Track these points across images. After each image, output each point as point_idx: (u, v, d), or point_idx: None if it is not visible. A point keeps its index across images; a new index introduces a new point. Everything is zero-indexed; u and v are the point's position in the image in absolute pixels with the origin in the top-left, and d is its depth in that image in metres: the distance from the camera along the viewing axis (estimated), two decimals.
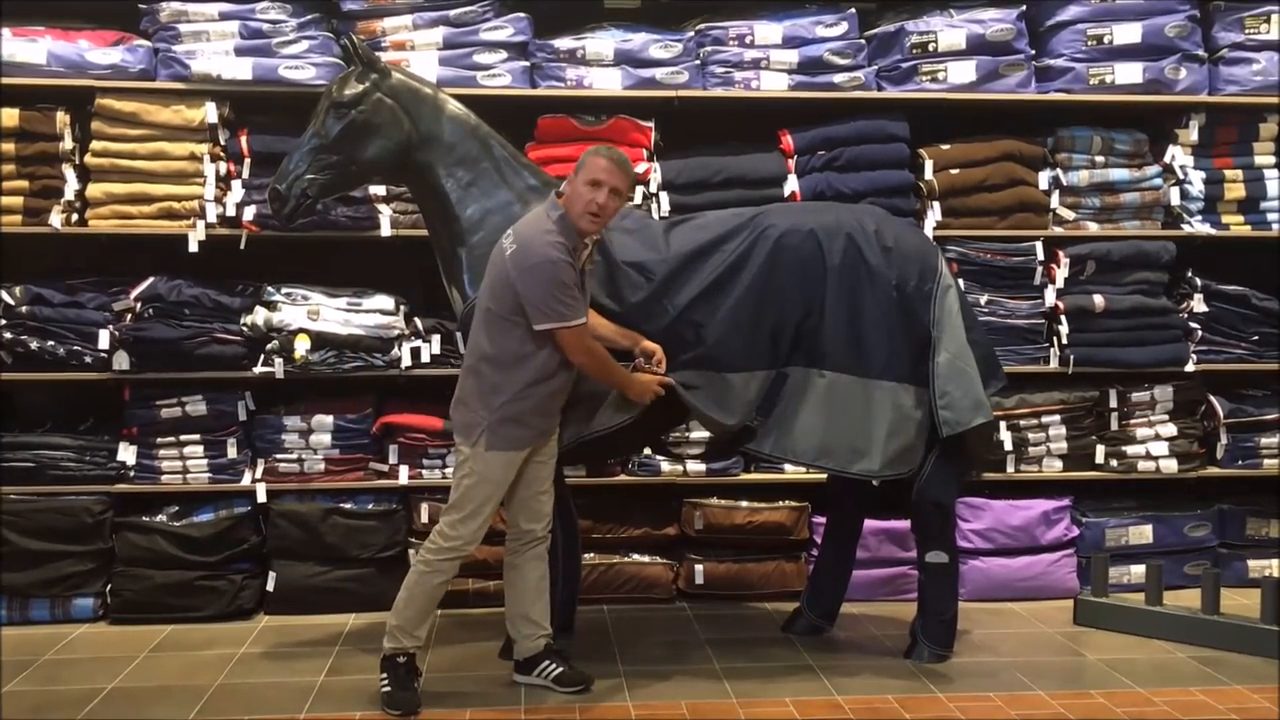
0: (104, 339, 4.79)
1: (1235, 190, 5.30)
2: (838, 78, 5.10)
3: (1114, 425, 5.23)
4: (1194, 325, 5.26)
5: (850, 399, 4.10)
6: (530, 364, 3.80)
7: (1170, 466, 5.23)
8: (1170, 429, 5.25)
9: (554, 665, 4.05)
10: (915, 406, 4.15)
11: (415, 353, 4.93)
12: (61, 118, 4.85)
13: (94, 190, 4.85)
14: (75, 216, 4.89)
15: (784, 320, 4.13)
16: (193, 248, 4.82)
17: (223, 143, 4.92)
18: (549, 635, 4.09)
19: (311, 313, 4.86)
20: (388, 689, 3.90)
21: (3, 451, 4.81)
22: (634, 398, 3.98)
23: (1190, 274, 5.30)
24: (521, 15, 5.03)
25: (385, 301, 4.96)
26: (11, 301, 4.80)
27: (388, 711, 3.86)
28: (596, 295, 4.12)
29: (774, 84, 5.06)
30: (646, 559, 5.03)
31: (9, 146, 4.81)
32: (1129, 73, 5.17)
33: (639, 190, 4.98)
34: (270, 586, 4.89)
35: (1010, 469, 5.15)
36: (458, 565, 3.95)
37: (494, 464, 3.85)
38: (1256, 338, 5.30)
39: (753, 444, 4.23)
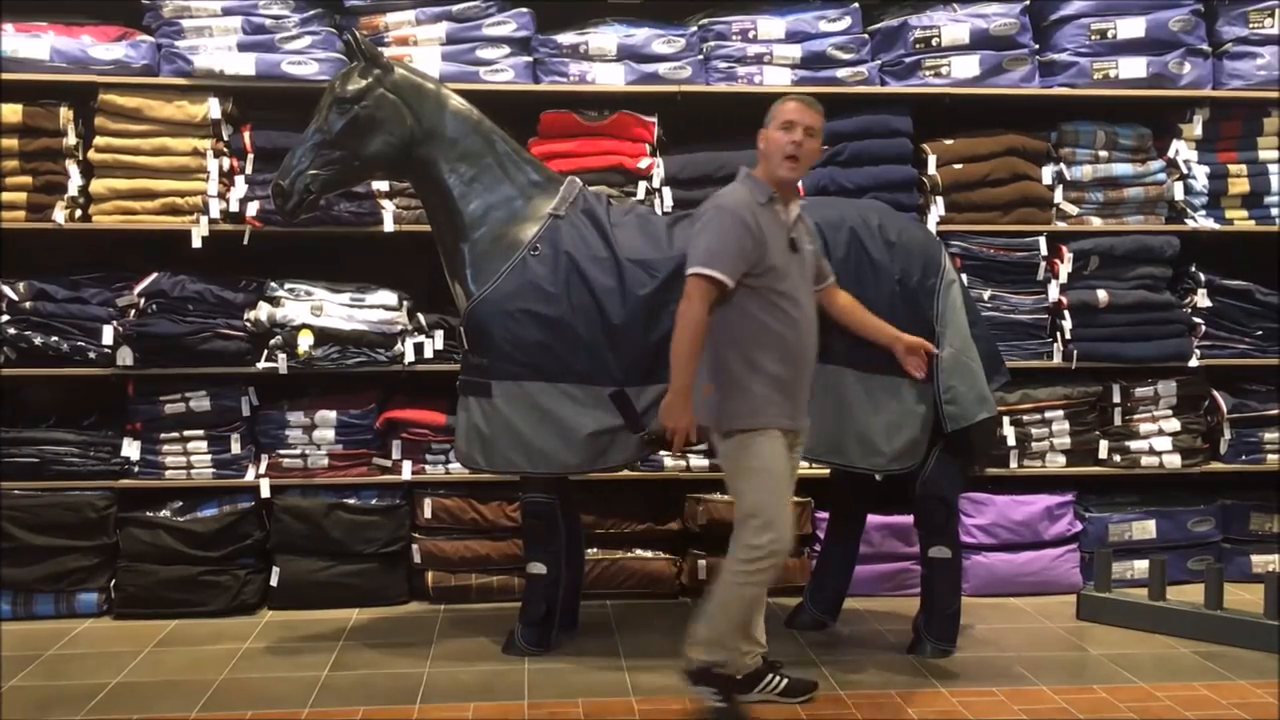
0: (107, 334, 4.79)
1: (1239, 185, 5.29)
2: (841, 73, 5.09)
3: (1117, 420, 5.22)
4: (1197, 320, 5.25)
5: (855, 394, 4.11)
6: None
7: (1174, 462, 5.23)
8: (1173, 424, 5.24)
9: (778, 679, 3.89)
10: (918, 401, 4.15)
11: (419, 348, 4.94)
12: (65, 113, 4.85)
13: (97, 186, 4.86)
14: (79, 212, 4.89)
15: None
16: (196, 243, 4.83)
17: (226, 138, 4.93)
18: (765, 649, 3.93)
19: (315, 308, 4.86)
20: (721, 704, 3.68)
21: (6, 447, 4.82)
22: (664, 410, 3.65)
23: (1194, 269, 5.30)
24: (524, 10, 5.02)
25: (388, 297, 4.96)
26: (15, 297, 4.81)
27: None
28: (604, 297, 4.12)
29: (777, 79, 5.06)
30: (649, 554, 5.03)
31: (12, 142, 4.82)
32: (1133, 67, 5.16)
33: (642, 185, 4.98)
34: (274, 581, 4.90)
35: (1013, 464, 5.15)
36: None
37: (758, 449, 3.62)
38: (1260, 333, 5.29)
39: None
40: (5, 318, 4.79)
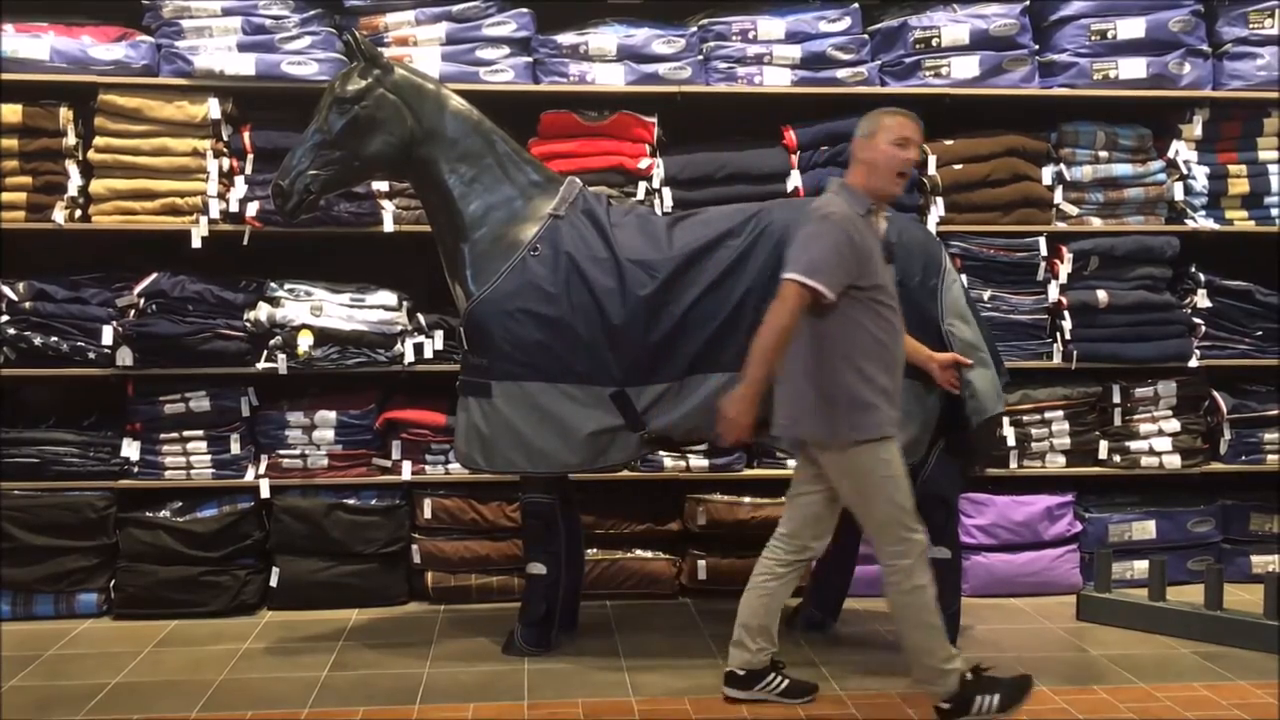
0: (107, 335, 4.79)
1: (1239, 185, 5.29)
2: (841, 73, 5.09)
3: (1117, 421, 5.22)
4: (1197, 320, 5.25)
5: None
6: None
7: (1173, 462, 5.23)
8: (1173, 424, 5.24)
9: (780, 679, 3.91)
10: (918, 401, 4.15)
11: (418, 349, 4.94)
12: (65, 114, 4.85)
13: (97, 186, 4.86)
14: (78, 212, 4.89)
15: None
16: (196, 244, 4.83)
17: (226, 138, 4.93)
18: (776, 650, 3.94)
19: (314, 308, 4.86)
20: (997, 696, 3.63)
21: (6, 447, 4.82)
22: (730, 401, 3.61)
23: (1193, 269, 5.30)
24: (524, 11, 5.03)
25: (388, 297, 4.96)
26: (15, 297, 4.81)
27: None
28: (604, 297, 4.12)
29: (777, 79, 5.06)
30: (649, 554, 5.03)
31: (12, 142, 4.82)
32: (1133, 68, 5.16)
33: (642, 186, 4.98)
34: (274, 582, 4.90)
35: (1013, 465, 5.14)
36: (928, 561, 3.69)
37: (882, 455, 3.64)
38: (1260, 333, 5.29)
39: (768, 437, 4.24)
40: (5, 318, 4.79)
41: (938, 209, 5.09)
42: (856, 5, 5.17)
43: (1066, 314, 5.12)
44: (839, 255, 3.53)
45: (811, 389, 3.62)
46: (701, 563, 5.01)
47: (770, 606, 3.88)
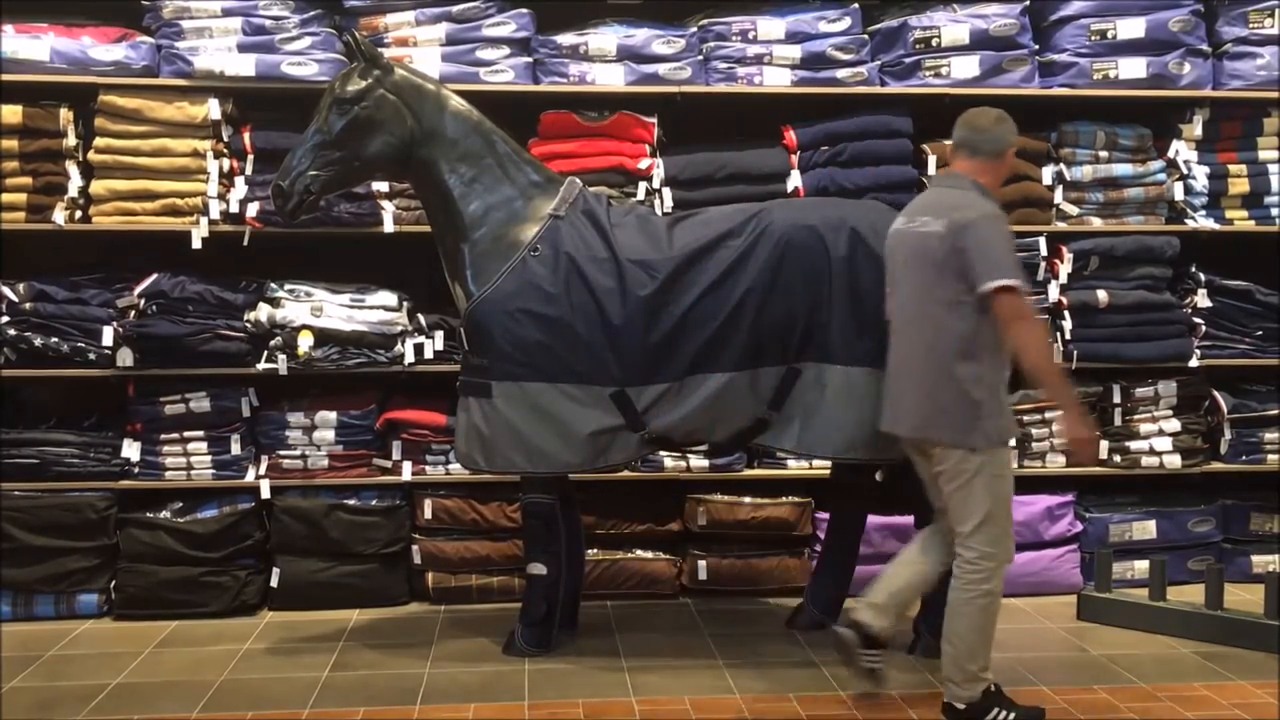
0: (108, 335, 4.79)
1: (1239, 185, 5.29)
2: (841, 73, 5.09)
3: (1118, 420, 5.22)
4: (1197, 320, 5.25)
5: (868, 391, 4.08)
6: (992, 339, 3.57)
7: (1174, 462, 5.23)
8: (1174, 424, 5.24)
9: (877, 664, 3.92)
10: None
11: (419, 349, 4.94)
12: (65, 114, 4.85)
13: (97, 187, 4.86)
14: (79, 213, 4.89)
15: (792, 316, 4.13)
16: (196, 244, 4.83)
17: (226, 139, 4.93)
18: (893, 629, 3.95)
19: (315, 309, 4.86)
20: (1013, 715, 3.68)
21: (7, 448, 4.82)
22: (1073, 428, 3.59)
23: (1194, 269, 5.30)
24: (524, 11, 5.03)
25: (388, 298, 4.97)
26: (15, 298, 4.81)
27: None
28: (604, 297, 4.13)
29: (777, 79, 5.06)
30: (650, 554, 5.03)
31: (12, 143, 4.82)
32: (1133, 68, 5.16)
33: (642, 186, 4.99)
34: (274, 582, 4.90)
35: (1013, 464, 5.14)
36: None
37: (1003, 459, 3.66)
38: (1260, 333, 5.29)
39: (769, 439, 4.24)
40: (5, 319, 4.79)
41: None
42: (856, 5, 5.17)
43: (1066, 314, 5.12)
44: (1014, 249, 3.64)
45: (948, 391, 3.60)
46: (702, 563, 5.01)
47: (905, 575, 3.92)
